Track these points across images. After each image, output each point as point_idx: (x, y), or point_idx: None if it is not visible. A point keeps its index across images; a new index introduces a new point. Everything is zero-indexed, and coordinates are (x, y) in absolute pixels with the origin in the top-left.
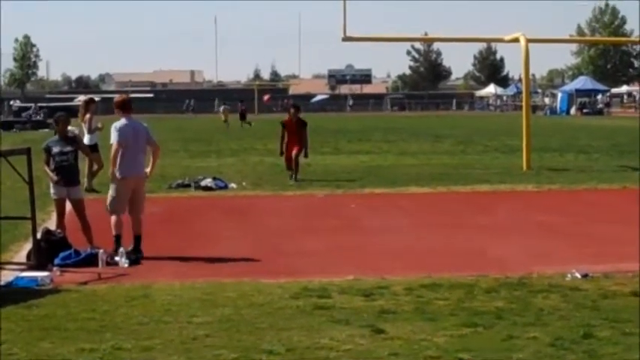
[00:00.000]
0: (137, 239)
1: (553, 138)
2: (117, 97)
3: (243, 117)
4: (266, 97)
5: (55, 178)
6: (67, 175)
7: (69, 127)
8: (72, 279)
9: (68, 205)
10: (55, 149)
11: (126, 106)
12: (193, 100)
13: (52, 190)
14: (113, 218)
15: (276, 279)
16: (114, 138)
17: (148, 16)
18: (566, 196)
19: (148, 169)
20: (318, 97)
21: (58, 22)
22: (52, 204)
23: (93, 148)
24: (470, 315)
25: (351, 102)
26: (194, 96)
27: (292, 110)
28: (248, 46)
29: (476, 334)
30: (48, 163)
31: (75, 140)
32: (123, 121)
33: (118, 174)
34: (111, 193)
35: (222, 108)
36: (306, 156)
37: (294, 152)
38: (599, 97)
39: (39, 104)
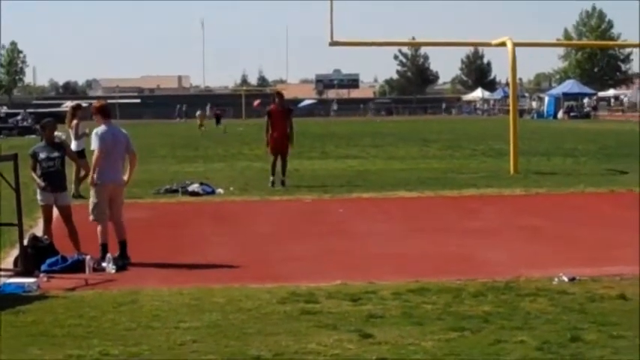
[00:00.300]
0: (122, 245)
1: (540, 142)
2: (95, 102)
3: (218, 121)
4: (256, 102)
5: (42, 184)
6: (54, 181)
7: (55, 133)
8: (59, 285)
9: (55, 212)
10: (42, 155)
11: (105, 112)
12: (185, 105)
13: (38, 197)
14: (99, 227)
15: (264, 284)
16: (95, 145)
17: (135, 22)
18: (553, 199)
19: (125, 177)
20: (306, 102)
21: (45, 28)
22: (38, 210)
23: (80, 154)
24: (457, 319)
25: (335, 107)
26: (182, 101)
27: (277, 98)
28: (235, 52)
29: (463, 339)
30: (35, 169)
31: (62, 146)
32: (103, 127)
33: (96, 180)
34: (92, 199)
35: (197, 113)
36: (291, 142)
37: (279, 156)
38: (586, 100)
39: (28, 110)
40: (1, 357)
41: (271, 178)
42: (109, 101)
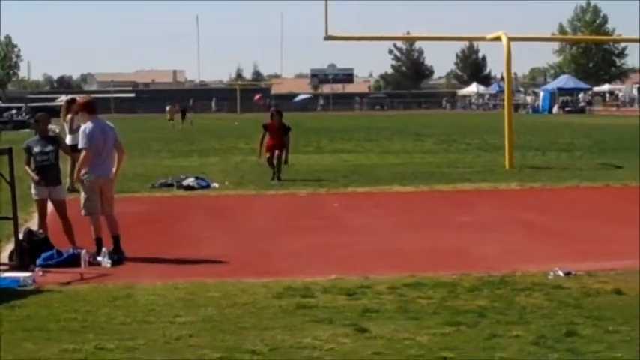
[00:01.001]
0: (116, 239)
1: (535, 136)
2: (80, 98)
3: (183, 116)
4: (257, 96)
5: (36, 177)
6: (49, 175)
7: (49, 127)
8: (54, 279)
9: (50, 206)
10: (36, 149)
11: (91, 108)
12: (192, 100)
13: (33, 191)
14: (92, 221)
15: (259, 278)
16: (83, 143)
17: (130, 16)
18: (548, 194)
19: (113, 170)
20: (300, 97)
21: (40, 22)
22: (33, 204)
23: (75, 148)
24: (453, 314)
25: (322, 101)
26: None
27: (275, 115)
28: (230, 46)
29: (459, 333)
30: (29, 164)
31: (56, 140)
32: (89, 124)
33: (86, 176)
34: (83, 194)
35: (167, 107)
36: (285, 162)
37: (277, 153)
38: (581, 95)
39: (28, 104)
40: None
41: (272, 171)
42: (104, 95)
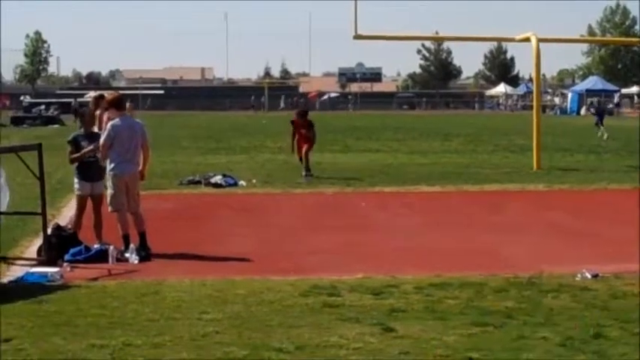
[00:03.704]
0: (142, 236)
1: (563, 138)
2: (107, 95)
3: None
4: (312, 94)
5: (98, 153)
6: (94, 171)
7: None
8: (82, 275)
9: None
10: (84, 144)
11: (118, 104)
12: (253, 97)
13: (76, 186)
14: (119, 218)
15: (286, 277)
16: (103, 137)
17: (158, 13)
18: (576, 196)
19: (140, 168)
20: (328, 95)
21: (69, 18)
22: (62, 199)
23: None
24: (480, 314)
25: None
26: (204, 93)
27: (301, 114)
28: (258, 44)
29: (486, 334)
30: (73, 154)
31: (98, 136)
32: (117, 120)
33: (112, 172)
34: (109, 191)
35: (127, 104)
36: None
37: (304, 148)
38: (615, 98)
39: (67, 99)
40: (24, 346)
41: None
42: (133, 92)
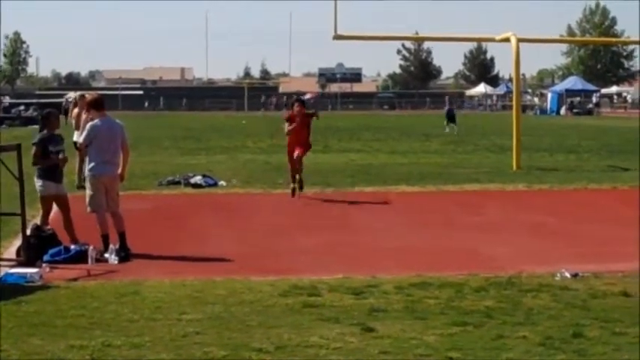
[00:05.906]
0: (121, 236)
1: (543, 138)
2: (87, 96)
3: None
4: (308, 96)
5: (64, 157)
6: (59, 172)
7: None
8: (61, 275)
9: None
10: (51, 146)
11: (98, 105)
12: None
13: (39, 187)
14: (98, 218)
15: (266, 277)
16: (82, 139)
17: (138, 13)
18: (556, 195)
19: (119, 170)
20: (308, 96)
21: (48, 19)
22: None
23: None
24: (460, 314)
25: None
26: (185, 94)
27: (297, 106)
28: (238, 44)
29: (465, 333)
30: (38, 156)
31: (62, 137)
32: (97, 121)
33: (91, 172)
34: (88, 191)
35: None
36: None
37: (296, 153)
38: (594, 97)
39: (46, 100)
40: (2, 347)
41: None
42: (112, 92)
